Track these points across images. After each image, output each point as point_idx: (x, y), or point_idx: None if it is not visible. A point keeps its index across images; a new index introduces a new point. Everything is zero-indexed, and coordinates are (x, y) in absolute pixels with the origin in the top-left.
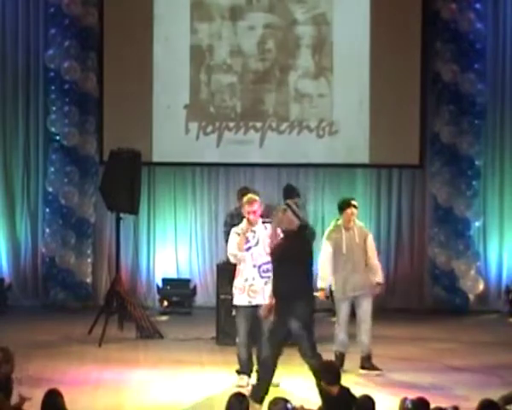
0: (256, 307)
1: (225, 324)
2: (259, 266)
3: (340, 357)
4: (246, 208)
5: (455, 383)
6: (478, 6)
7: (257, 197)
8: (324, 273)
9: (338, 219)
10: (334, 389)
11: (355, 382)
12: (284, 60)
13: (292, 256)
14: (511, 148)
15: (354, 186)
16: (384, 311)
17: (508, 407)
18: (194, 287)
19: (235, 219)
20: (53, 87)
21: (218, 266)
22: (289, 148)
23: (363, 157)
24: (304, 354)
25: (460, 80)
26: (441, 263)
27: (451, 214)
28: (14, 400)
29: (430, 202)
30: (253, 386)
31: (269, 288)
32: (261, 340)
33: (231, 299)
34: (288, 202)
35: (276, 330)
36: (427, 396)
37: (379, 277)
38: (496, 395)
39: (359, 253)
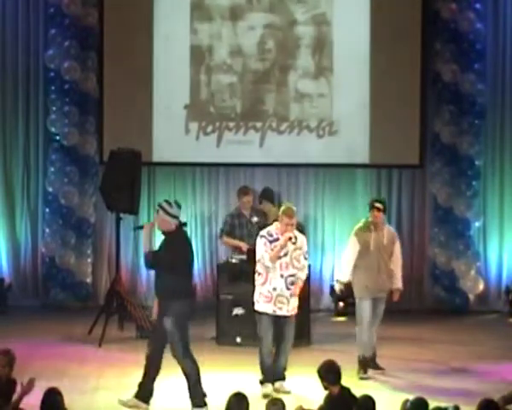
0: (279, 317)
1: (225, 324)
2: (286, 277)
3: (364, 361)
4: (285, 220)
5: (455, 382)
6: (478, 6)
7: (294, 208)
8: (347, 268)
9: (368, 217)
10: (335, 389)
11: (355, 382)
12: (284, 60)
13: (169, 257)
14: (511, 148)
15: (354, 186)
16: (384, 311)
17: (508, 406)
18: (195, 287)
19: (235, 219)
20: (53, 87)
21: (218, 266)
22: (289, 148)
23: (363, 157)
24: (175, 354)
25: (460, 80)
26: (441, 263)
27: (451, 214)
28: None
29: (430, 202)
30: (139, 385)
31: (293, 299)
32: (281, 348)
33: (231, 299)
34: (161, 202)
35: (155, 330)
36: (427, 396)
37: (399, 283)
38: (496, 394)
39: (385, 255)
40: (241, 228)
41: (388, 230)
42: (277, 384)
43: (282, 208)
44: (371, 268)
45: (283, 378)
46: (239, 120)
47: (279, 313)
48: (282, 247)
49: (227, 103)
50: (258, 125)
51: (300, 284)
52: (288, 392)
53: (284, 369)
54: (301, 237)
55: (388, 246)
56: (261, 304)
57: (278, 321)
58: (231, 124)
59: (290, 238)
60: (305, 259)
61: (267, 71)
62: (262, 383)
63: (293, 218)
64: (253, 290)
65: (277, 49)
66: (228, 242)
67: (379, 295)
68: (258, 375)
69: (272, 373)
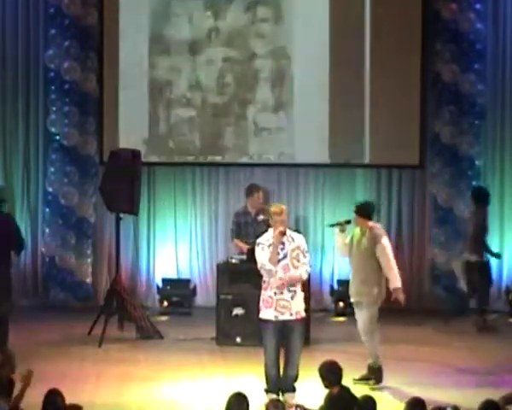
0: (284, 322)
1: (225, 324)
2: None
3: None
4: (275, 218)
5: (455, 383)
6: (478, 6)
7: (284, 206)
8: None
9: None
10: (335, 389)
11: (355, 382)
12: (243, 94)
13: None
14: (511, 148)
15: (354, 186)
16: (384, 311)
17: (508, 407)
18: (194, 287)
19: (241, 217)
20: (53, 87)
21: (218, 266)
22: (288, 148)
23: (363, 157)
24: None
25: (460, 80)
26: (441, 263)
27: (451, 215)
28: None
29: (430, 202)
30: None
31: (295, 302)
32: (289, 359)
33: (231, 299)
34: None
35: None
36: (427, 396)
37: (392, 283)
38: (496, 394)
39: (362, 259)
40: (247, 226)
41: (370, 231)
42: (286, 396)
43: (271, 209)
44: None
45: (293, 390)
46: (198, 154)
47: (281, 318)
48: (277, 243)
49: (186, 137)
50: (218, 158)
51: (297, 277)
52: (296, 405)
53: (294, 380)
54: (299, 236)
55: (370, 248)
56: (263, 311)
57: (283, 329)
58: (190, 158)
59: (282, 232)
60: (305, 256)
61: (226, 105)
62: (267, 392)
63: (281, 214)
64: (253, 292)
65: (236, 83)
66: (237, 244)
67: (355, 299)
68: (258, 375)
69: (277, 383)
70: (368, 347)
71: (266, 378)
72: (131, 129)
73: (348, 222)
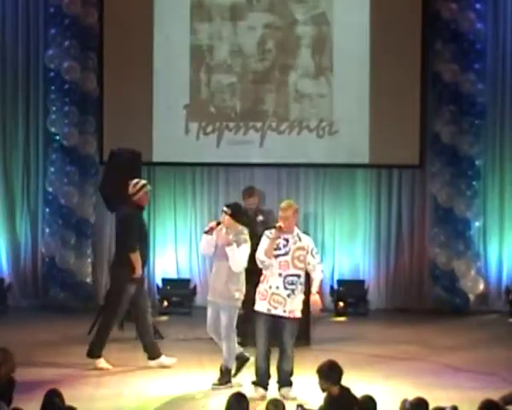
0: (276, 317)
1: None
2: (285, 277)
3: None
4: (279, 214)
5: (455, 383)
6: (478, 6)
7: (292, 203)
8: None
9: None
10: (335, 390)
11: (356, 382)
12: (284, 60)
13: None
14: (511, 148)
15: (354, 186)
16: (384, 311)
17: (508, 407)
18: (194, 287)
19: None
20: (53, 87)
21: None
22: (289, 148)
23: (363, 157)
24: None
25: (460, 80)
26: (441, 263)
27: (451, 215)
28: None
29: (430, 202)
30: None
31: (292, 300)
32: (281, 354)
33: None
34: None
35: None
36: (427, 396)
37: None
38: (496, 394)
39: (227, 260)
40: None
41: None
42: (283, 390)
43: (281, 204)
44: None
45: (289, 384)
46: (239, 120)
47: (274, 312)
48: (274, 237)
49: (227, 103)
50: (258, 125)
51: (317, 283)
52: (294, 398)
53: (289, 374)
54: (306, 238)
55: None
56: (257, 302)
57: (276, 324)
58: (231, 124)
59: (280, 227)
60: (315, 257)
61: (267, 71)
62: (255, 385)
63: (286, 210)
64: (253, 291)
65: (277, 49)
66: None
67: (213, 299)
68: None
69: (266, 377)
70: (224, 348)
71: (256, 372)
72: (172, 95)
73: (218, 224)
